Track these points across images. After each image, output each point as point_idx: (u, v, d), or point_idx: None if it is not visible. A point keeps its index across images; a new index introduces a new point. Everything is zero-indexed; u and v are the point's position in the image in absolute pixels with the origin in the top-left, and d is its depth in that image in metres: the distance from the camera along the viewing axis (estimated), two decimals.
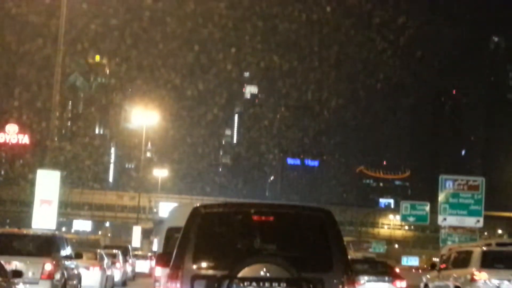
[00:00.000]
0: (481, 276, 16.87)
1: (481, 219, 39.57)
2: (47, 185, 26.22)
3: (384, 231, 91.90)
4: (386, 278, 21.59)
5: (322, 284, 7.51)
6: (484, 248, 17.75)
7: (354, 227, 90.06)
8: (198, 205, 8.13)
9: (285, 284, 7.35)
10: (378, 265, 23.34)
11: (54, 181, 26.38)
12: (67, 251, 17.70)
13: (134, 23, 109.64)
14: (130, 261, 39.24)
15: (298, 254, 7.66)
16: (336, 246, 7.69)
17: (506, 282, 16.58)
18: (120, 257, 33.48)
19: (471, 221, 39.48)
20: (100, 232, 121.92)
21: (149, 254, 53.49)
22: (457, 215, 39.48)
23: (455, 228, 40.31)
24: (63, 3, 27.11)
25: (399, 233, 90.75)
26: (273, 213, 8.11)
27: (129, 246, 46.39)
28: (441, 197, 39.96)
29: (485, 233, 74.05)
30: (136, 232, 68.39)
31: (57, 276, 16.07)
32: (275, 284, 7.35)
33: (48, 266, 15.61)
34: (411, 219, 48.07)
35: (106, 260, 27.18)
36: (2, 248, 16.14)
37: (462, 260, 18.54)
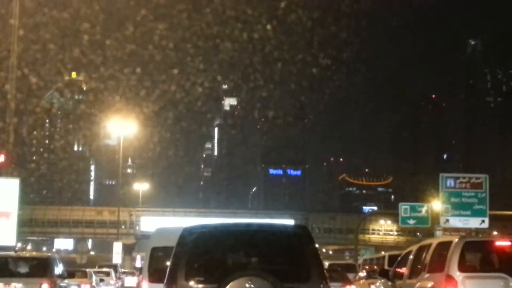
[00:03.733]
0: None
1: (486, 219, 36.64)
2: (4, 195, 23.30)
3: (374, 237, 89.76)
4: (338, 284, 25.75)
5: None
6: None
7: (344, 234, 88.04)
8: (188, 226, 8.77)
9: None
10: (332, 272, 27.30)
11: (13, 190, 23.41)
12: (60, 270, 18.72)
13: (74, 47, 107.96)
14: (120, 277, 45.66)
15: (280, 267, 8.36)
16: (313, 258, 8.37)
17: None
18: (113, 274, 38.80)
19: (475, 222, 36.53)
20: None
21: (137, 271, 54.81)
22: (460, 215, 36.72)
23: (451, 230, 37.84)
24: (15, 28, 25.37)
25: (390, 238, 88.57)
26: (256, 231, 8.94)
27: (119, 264, 52.60)
28: (442, 196, 37.25)
29: (480, 236, 71.53)
30: (117, 248, 65.51)
31: None
32: None
33: (45, 286, 16.99)
34: (412, 221, 43.44)
35: (94, 278, 30.71)
36: (1, 271, 17.53)
37: None
